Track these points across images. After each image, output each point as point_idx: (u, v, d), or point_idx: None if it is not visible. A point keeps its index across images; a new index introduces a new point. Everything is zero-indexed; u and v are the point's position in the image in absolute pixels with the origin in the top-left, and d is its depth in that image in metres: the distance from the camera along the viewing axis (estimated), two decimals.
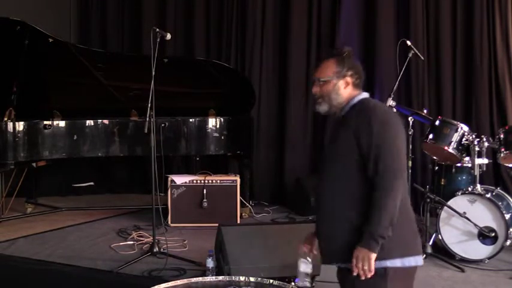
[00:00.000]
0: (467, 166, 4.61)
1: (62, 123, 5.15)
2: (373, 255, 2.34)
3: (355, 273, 2.36)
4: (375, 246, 2.33)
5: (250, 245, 3.68)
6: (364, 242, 2.34)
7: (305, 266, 2.53)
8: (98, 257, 4.41)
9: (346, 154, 2.43)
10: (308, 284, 2.52)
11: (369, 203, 2.36)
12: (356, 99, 2.55)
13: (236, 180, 5.35)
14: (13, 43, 4.94)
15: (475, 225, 4.24)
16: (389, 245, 2.36)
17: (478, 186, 4.41)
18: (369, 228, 2.35)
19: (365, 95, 2.58)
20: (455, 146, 4.47)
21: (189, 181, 5.32)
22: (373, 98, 2.62)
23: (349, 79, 2.56)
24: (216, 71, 5.72)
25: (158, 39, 4.20)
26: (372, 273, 2.34)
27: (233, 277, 1.92)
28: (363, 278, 2.35)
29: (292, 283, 2.24)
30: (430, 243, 4.41)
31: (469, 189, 4.43)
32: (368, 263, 2.34)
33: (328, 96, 2.55)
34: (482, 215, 4.26)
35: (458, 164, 4.64)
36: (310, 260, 2.54)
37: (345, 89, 2.55)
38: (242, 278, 1.90)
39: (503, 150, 4.46)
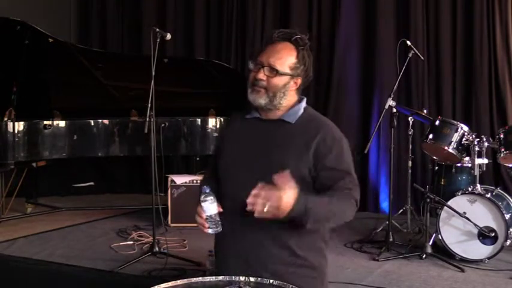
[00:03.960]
0: (467, 166, 4.61)
1: (62, 123, 5.14)
2: (284, 214, 1.91)
3: (249, 200, 1.92)
4: (292, 213, 1.91)
5: None
6: (300, 201, 1.92)
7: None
8: (98, 257, 4.40)
9: (295, 169, 2.03)
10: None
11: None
12: (302, 106, 2.20)
13: None
14: (13, 43, 4.93)
15: (475, 225, 4.23)
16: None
17: (478, 186, 4.41)
18: (316, 201, 1.96)
19: (305, 100, 2.24)
20: (455, 146, 4.47)
21: (189, 181, 5.32)
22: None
23: (299, 81, 2.18)
24: (216, 71, 5.72)
25: (158, 39, 4.20)
26: (259, 212, 1.91)
27: (233, 277, 1.91)
28: (252, 207, 1.92)
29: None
30: (430, 243, 4.41)
31: (469, 189, 4.42)
32: (276, 209, 1.90)
33: (274, 92, 2.15)
34: (482, 215, 4.26)
35: (458, 164, 4.64)
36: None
37: (291, 91, 2.17)
38: (242, 278, 1.90)
39: (503, 150, 4.45)
